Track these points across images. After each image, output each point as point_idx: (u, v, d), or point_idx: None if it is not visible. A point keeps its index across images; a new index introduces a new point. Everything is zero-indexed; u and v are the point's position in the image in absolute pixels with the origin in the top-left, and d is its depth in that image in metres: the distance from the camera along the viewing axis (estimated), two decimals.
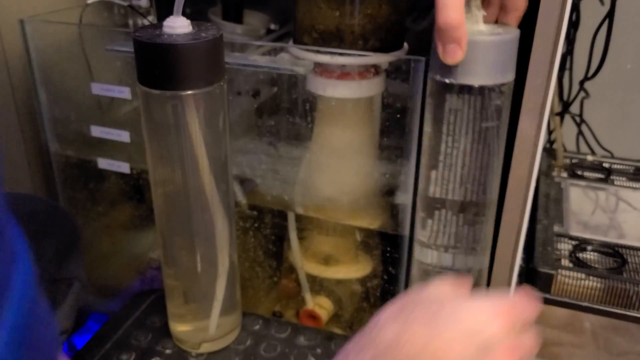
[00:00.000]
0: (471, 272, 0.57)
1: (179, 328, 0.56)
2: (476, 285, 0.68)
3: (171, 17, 0.46)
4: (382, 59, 0.61)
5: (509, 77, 0.49)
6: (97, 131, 0.73)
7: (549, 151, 0.94)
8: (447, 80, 0.48)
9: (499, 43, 0.48)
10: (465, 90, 0.47)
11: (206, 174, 0.50)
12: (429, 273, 0.61)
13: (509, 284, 0.60)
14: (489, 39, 0.47)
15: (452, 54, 0.44)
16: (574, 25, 0.90)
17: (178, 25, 0.46)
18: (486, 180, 0.54)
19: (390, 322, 0.36)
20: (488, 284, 0.61)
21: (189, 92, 0.46)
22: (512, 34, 0.49)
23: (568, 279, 0.67)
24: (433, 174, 0.53)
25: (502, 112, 0.50)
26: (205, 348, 0.55)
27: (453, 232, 0.55)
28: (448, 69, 0.47)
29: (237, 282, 0.57)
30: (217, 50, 0.47)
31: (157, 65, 0.46)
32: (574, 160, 0.93)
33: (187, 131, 0.48)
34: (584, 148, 0.99)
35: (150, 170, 0.52)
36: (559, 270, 0.67)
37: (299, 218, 0.72)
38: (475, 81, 0.47)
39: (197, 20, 0.48)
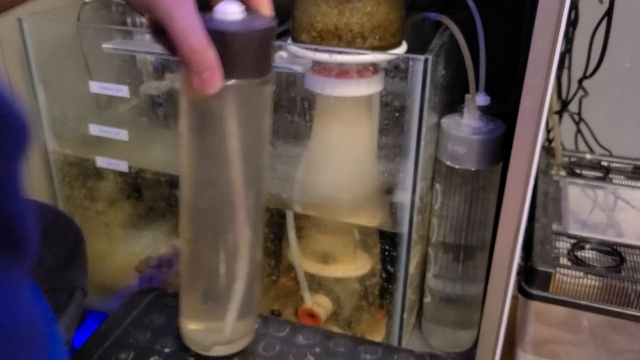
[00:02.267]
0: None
1: (192, 327, 0.54)
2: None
3: (224, 2, 0.44)
4: (380, 58, 0.61)
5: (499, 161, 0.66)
6: (95, 130, 0.73)
7: (548, 149, 0.94)
8: (456, 166, 0.66)
9: (494, 138, 0.64)
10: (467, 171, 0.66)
11: (237, 170, 0.48)
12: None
13: (508, 283, 0.60)
14: (488, 137, 0.63)
15: (210, 82, 0.41)
16: (572, 23, 0.90)
17: (230, 11, 0.43)
18: (480, 229, 0.70)
19: None
20: (487, 282, 0.61)
21: (233, 81, 0.43)
22: (501, 129, 0.65)
23: (566, 277, 0.67)
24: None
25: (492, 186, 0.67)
26: (217, 351, 0.53)
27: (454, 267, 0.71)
28: (456, 158, 0.66)
29: (256, 287, 0.56)
30: (267, 42, 0.45)
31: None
32: (572, 159, 0.93)
33: (224, 125, 0.45)
34: (582, 146, 0.99)
35: (182, 163, 0.50)
36: (558, 269, 0.67)
37: (297, 216, 0.72)
38: (474, 167, 0.65)
39: None
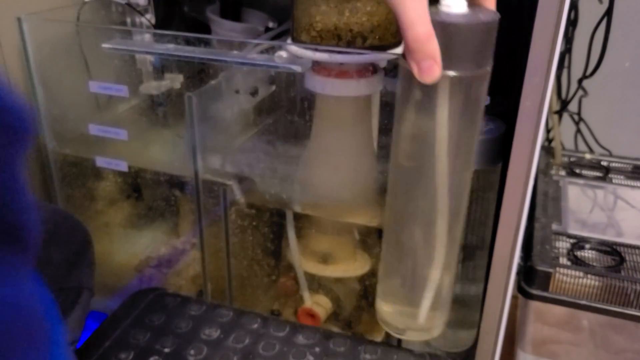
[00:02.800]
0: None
1: (387, 309, 0.55)
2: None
3: None
4: (380, 57, 0.61)
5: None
6: (95, 129, 0.73)
7: (547, 149, 0.94)
8: None
9: (494, 138, 0.58)
10: None
11: (444, 158, 0.48)
12: None
13: (507, 282, 0.60)
14: (488, 137, 0.57)
15: (428, 72, 0.43)
16: (572, 23, 0.90)
17: (455, 4, 0.45)
18: (480, 228, 0.67)
19: None
20: (486, 282, 0.61)
21: (452, 72, 0.44)
22: (501, 129, 0.59)
23: (566, 277, 0.67)
24: None
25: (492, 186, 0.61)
26: (410, 335, 0.55)
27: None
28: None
29: (451, 278, 0.55)
30: (489, 35, 0.45)
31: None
32: (572, 159, 0.93)
33: (438, 113, 0.46)
34: (582, 146, 0.99)
35: (393, 144, 0.51)
36: (557, 269, 0.67)
37: (297, 216, 0.72)
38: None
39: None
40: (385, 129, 0.65)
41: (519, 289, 0.69)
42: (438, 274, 0.52)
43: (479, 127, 0.49)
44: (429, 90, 0.45)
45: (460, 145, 0.48)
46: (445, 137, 0.47)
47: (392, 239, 0.54)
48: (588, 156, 0.94)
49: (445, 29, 0.43)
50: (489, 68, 0.47)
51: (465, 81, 0.45)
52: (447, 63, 0.43)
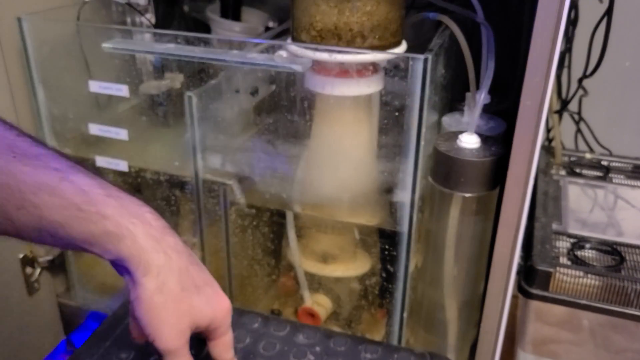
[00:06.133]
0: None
1: None
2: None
3: (466, 133, 0.60)
4: (380, 57, 0.61)
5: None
6: (95, 129, 0.73)
7: (548, 149, 0.94)
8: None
9: (495, 136, 0.63)
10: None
11: (450, 261, 0.64)
12: None
13: (508, 282, 0.60)
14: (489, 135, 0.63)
15: None
16: (572, 22, 0.90)
17: (469, 140, 0.60)
18: None
19: None
20: (487, 282, 0.61)
21: (467, 194, 0.60)
22: (502, 127, 0.66)
23: (566, 276, 0.67)
24: None
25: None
26: None
27: None
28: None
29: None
30: (497, 164, 0.58)
31: (451, 171, 0.60)
32: (572, 158, 0.93)
33: (452, 225, 0.62)
34: (582, 146, 0.99)
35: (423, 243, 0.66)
36: (557, 268, 0.67)
37: (297, 216, 0.72)
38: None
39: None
40: (385, 129, 0.65)
41: (519, 288, 0.69)
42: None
43: (488, 242, 0.63)
44: (448, 208, 0.62)
45: (465, 255, 0.64)
46: (452, 252, 0.63)
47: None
48: (588, 156, 0.94)
49: (460, 163, 0.58)
50: (494, 191, 0.60)
51: (474, 200, 0.61)
52: (463, 188, 0.60)
